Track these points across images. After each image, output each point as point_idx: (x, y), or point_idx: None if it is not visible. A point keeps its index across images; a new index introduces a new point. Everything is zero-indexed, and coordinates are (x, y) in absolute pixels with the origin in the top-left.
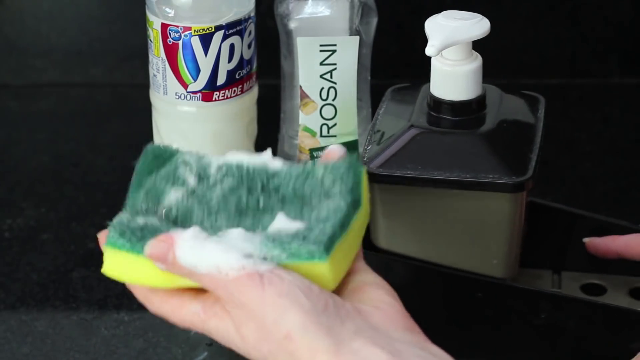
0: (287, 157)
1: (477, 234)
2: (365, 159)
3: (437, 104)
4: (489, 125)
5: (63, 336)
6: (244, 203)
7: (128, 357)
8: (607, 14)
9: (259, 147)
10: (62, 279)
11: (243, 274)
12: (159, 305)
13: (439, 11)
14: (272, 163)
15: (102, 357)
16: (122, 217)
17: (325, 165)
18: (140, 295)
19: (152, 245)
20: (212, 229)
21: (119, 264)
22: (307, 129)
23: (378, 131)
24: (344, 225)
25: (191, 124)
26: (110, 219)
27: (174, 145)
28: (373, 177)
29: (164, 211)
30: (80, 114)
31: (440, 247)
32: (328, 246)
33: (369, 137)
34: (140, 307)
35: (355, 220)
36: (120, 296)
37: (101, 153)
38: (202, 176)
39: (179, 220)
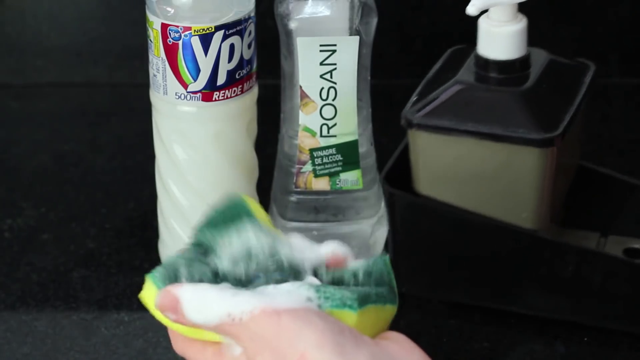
0: (287, 157)
1: (507, 186)
2: (409, 108)
3: (482, 63)
4: (528, 84)
5: (63, 336)
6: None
7: (128, 357)
8: (607, 14)
9: (259, 147)
10: (62, 279)
11: (258, 312)
12: (182, 346)
13: (438, 11)
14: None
15: (102, 357)
16: (176, 259)
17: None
18: (170, 333)
19: (162, 295)
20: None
21: (152, 297)
22: (307, 129)
23: (427, 85)
24: (379, 298)
25: (191, 124)
26: (110, 219)
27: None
28: (414, 125)
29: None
30: (80, 114)
31: (474, 196)
32: (362, 301)
33: (418, 90)
34: (140, 307)
35: (390, 305)
36: (120, 296)
37: (101, 153)
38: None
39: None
